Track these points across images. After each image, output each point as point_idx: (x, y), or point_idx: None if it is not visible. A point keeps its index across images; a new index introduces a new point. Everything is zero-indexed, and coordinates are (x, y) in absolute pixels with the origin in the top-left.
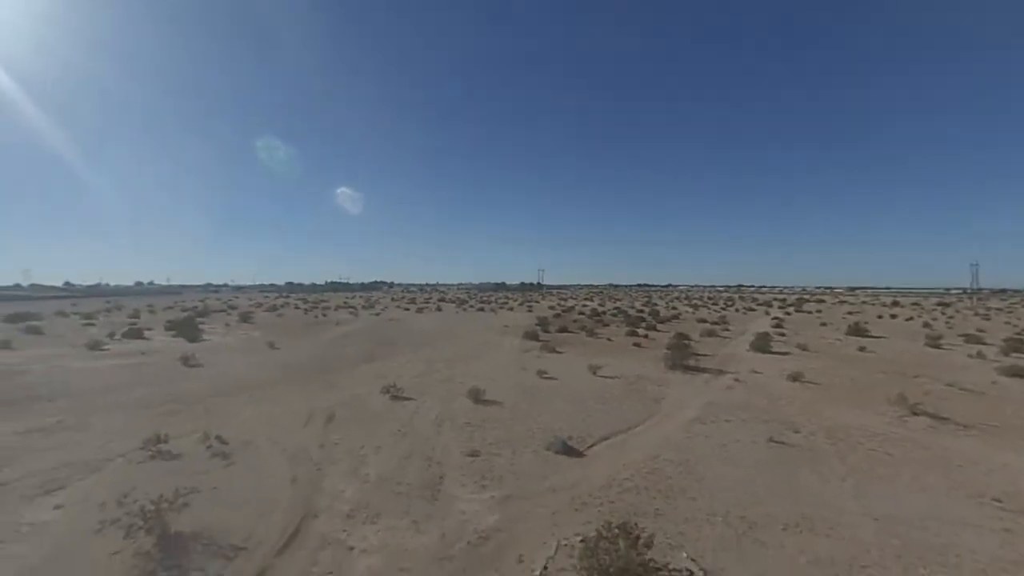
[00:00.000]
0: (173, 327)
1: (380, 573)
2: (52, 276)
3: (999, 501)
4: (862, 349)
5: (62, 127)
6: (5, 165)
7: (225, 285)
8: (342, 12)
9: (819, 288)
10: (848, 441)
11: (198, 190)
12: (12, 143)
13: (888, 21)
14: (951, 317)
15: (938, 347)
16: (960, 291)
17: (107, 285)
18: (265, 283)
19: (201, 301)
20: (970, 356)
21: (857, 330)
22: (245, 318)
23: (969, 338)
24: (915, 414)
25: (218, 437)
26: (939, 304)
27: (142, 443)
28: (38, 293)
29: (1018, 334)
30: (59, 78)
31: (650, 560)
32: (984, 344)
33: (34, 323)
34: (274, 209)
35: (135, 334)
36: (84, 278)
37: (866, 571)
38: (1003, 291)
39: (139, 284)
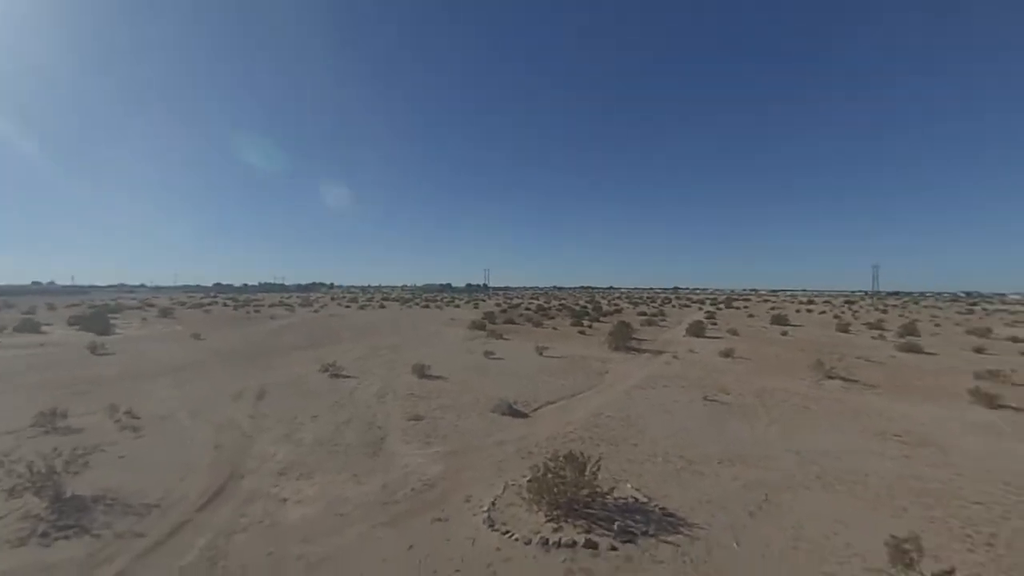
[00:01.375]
0: (77, 321)
1: (317, 519)
2: None
3: (899, 436)
4: (784, 334)
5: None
6: None
7: (142, 285)
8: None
9: (745, 290)
10: (773, 399)
11: (110, 180)
12: None
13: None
14: (856, 312)
15: (847, 332)
16: (863, 292)
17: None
18: (190, 283)
19: (112, 300)
20: (873, 338)
21: (779, 320)
22: (165, 313)
23: (871, 325)
24: (830, 378)
25: (128, 412)
26: (846, 302)
27: (34, 419)
28: None
29: (909, 323)
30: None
31: (596, 486)
32: (883, 330)
33: None
34: (199, 205)
35: (30, 327)
36: None
37: (791, 490)
38: (897, 293)
39: (36, 284)
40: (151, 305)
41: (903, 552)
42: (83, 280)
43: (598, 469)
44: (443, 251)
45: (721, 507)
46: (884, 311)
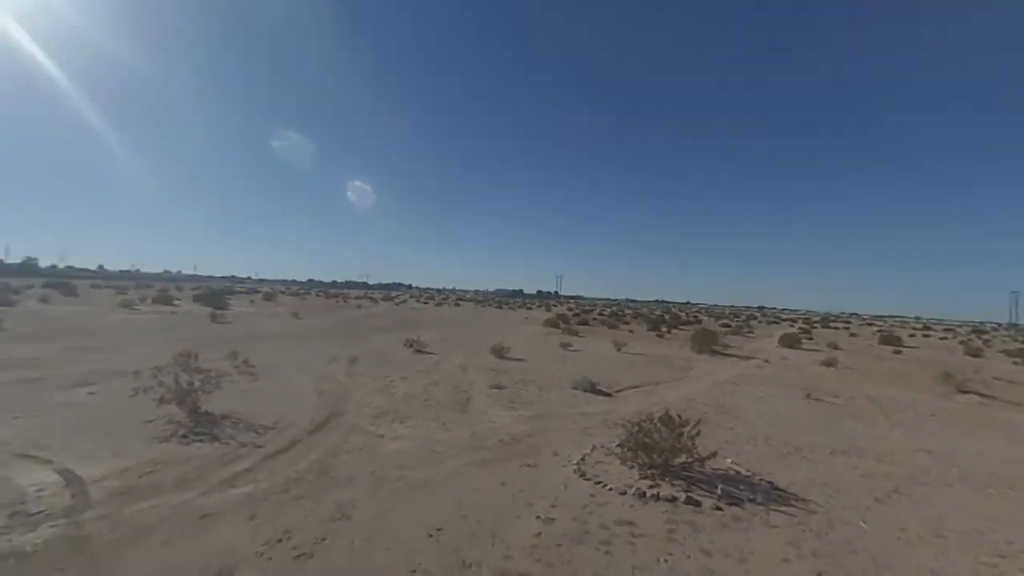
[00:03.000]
0: (200, 299)
1: (412, 452)
2: (87, 261)
3: None
4: (897, 352)
5: (101, 116)
6: (43, 150)
7: (249, 277)
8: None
9: (843, 313)
10: (893, 406)
11: (225, 185)
12: (51, 130)
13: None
14: (989, 340)
15: (978, 356)
16: (996, 324)
17: (137, 271)
18: (287, 278)
19: (227, 286)
20: (1015, 363)
21: (889, 339)
22: (269, 298)
23: (1011, 353)
24: (962, 392)
25: (244, 361)
26: (973, 331)
27: (174, 358)
28: (73, 274)
29: None
30: (100, 68)
31: (695, 450)
32: None
33: (70, 289)
34: (296, 206)
35: (164, 300)
36: (116, 264)
37: (926, 486)
38: None
39: (167, 272)
40: (257, 291)
41: None
42: (203, 271)
43: (697, 433)
44: (516, 259)
45: (839, 490)
46: None
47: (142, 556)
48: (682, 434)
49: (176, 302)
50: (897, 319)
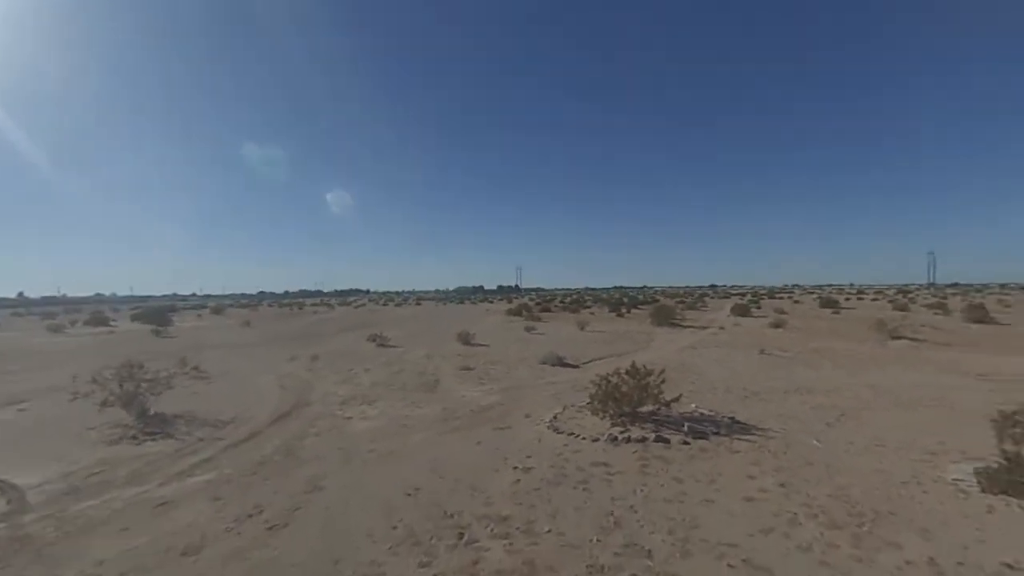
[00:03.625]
0: (140, 317)
1: (382, 429)
2: (2, 289)
3: (985, 375)
4: (835, 313)
5: (23, 128)
6: None
7: (193, 294)
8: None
9: (787, 286)
10: (836, 354)
11: (158, 198)
12: None
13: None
14: (913, 298)
15: (905, 310)
16: (918, 285)
17: (64, 296)
18: (235, 292)
19: (169, 303)
20: (936, 314)
21: (828, 303)
22: (217, 311)
23: (932, 306)
24: (895, 338)
25: (195, 368)
26: (899, 292)
27: (115, 369)
28: None
29: (975, 303)
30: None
31: (661, 396)
32: (947, 310)
33: None
34: (240, 217)
35: (99, 321)
36: (39, 291)
37: (869, 410)
38: (957, 284)
39: (99, 295)
40: (203, 307)
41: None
42: (140, 291)
43: (662, 382)
44: (475, 255)
45: (793, 419)
46: (944, 298)
47: (99, 544)
48: (648, 383)
49: (113, 323)
50: (834, 287)
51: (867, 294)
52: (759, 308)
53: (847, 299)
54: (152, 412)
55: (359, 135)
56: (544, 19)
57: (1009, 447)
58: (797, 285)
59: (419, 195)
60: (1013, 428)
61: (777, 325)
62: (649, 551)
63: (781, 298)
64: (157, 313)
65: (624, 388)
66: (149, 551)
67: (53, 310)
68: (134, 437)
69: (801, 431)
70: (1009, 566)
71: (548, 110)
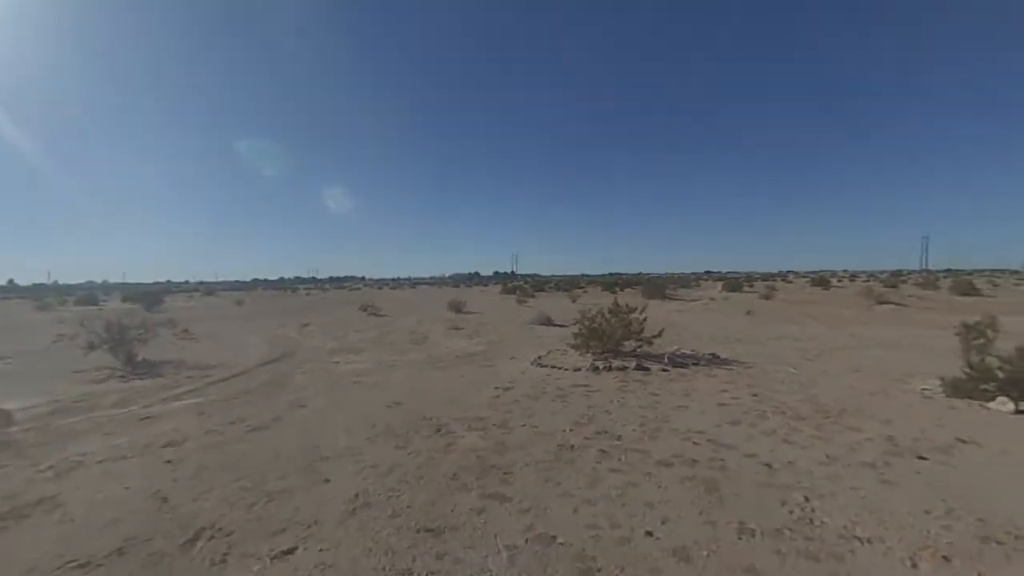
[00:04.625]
0: (131, 298)
1: (368, 368)
2: None
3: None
4: (826, 290)
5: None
6: None
7: (186, 281)
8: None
9: (783, 272)
10: (822, 316)
11: (155, 187)
12: None
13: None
14: (904, 280)
15: (895, 287)
16: (911, 271)
17: (55, 283)
18: (229, 279)
19: (161, 288)
20: (924, 290)
21: (820, 282)
22: (209, 292)
23: (922, 284)
24: (881, 303)
25: (184, 330)
26: (892, 275)
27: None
28: None
29: (963, 280)
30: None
31: (643, 334)
32: (934, 286)
33: None
34: (233, 203)
35: (89, 300)
36: (30, 278)
37: (848, 350)
38: (948, 270)
39: (90, 282)
40: (195, 291)
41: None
42: (133, 278)
43: (645, 319)
44: (470, 243)
45: (774, 358)
46: (936, 280)
47: (81, 445)
48: (630, 321)
49: (103, 300)
50: (827, 271)
51: (859, 277)
52: (751, 286)
53: (839, 281)
54: (140, 358)
55: (352, 127)
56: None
57: (974, 357)
58: (791, 271)
59: (414, 185)
60: (976, 339)
61: (766, 297)
62: (619, 436)
63: (775, 280)
64: (148, 294)
65: (606, 327)
66: (131, 446)
67: (43, 295)
68: (122, 377)
69: (779, 364)
70: (962, 440)
71: (542, 99)
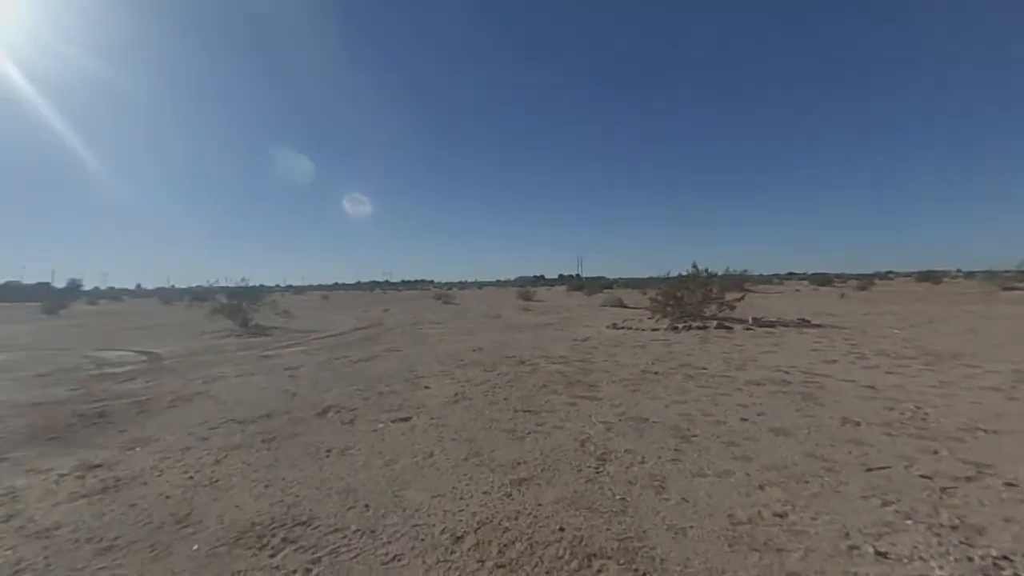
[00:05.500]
0: (234, 295)
1: (448, 332)
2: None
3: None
4: (936, 284)
5: (79, 132)
6: (15, 165)
7: (277, 285)
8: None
9: (882, 272)
10: (929, 296)
11: (224, 198)
12: (26, 146)
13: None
14: None
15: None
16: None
17: (139, 287)
18: (311, 283)
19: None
20: None
21: (928, 277)
22: (297, 292)
23: None
24: (1005, 289)
25: (285, 311)
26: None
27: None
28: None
29: None
30: (72, 80)
31: (723, 299)
32: None
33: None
34: (308, 215)
35: (201, 296)
36: (121, 282)
37: (959, 319)
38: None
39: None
40: (284, 291)
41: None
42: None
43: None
44: (536, 247)
45: (873, 324)
46: None
47: (217, 370)
48: (711, 287)
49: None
50: (934, 271)
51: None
52: (843, 283)
53: (952, 279)
54: (253, 323)
55: (418, 137)
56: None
57: None
58: (890, 272)
59: (481, 189)
60: None
61: (862, 288)
62: (704, 368)
63: (871, 279)
64: (250, 289)
65: (685, 292)
66: (257, 370)
67: (167, 295)
68: (239, 336)
69: (880, 328)
70: None
71: (618, 99)
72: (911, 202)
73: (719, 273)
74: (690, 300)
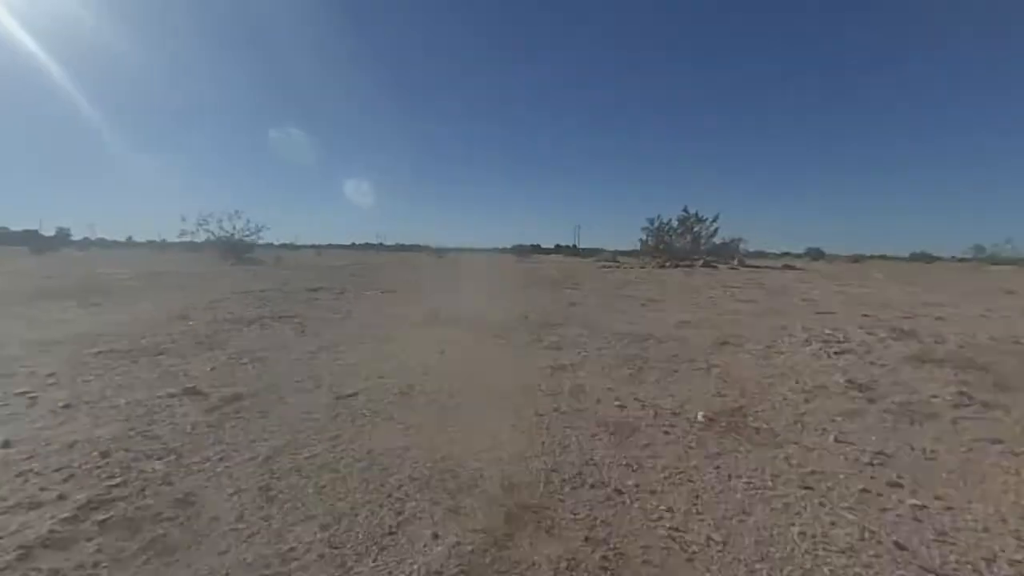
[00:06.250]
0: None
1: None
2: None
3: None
4: (928, 263)
5: (98, 104)
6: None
7: (271, 244)
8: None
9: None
10: (926, 271)
11: (214, 162)
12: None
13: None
14: None
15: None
16: None
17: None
18: (306, 244)
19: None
20: None
21: (921, 257)
22: (293, 248)
23: None
24: (993, 264)
25: (277, 258)
26: None
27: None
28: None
29: None
30: (91, 53)
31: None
32: None
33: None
34: (303, 175)
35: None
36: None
37: (955, 283)
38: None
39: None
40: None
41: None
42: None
43: (714, 232)
44: (533, 214)
45: (859, 275)
46: None
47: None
48: (699, 231)
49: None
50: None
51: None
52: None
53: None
54: (245, 257)
55: (409, 106)
56: None
57: None
58: (881, 255)
59: (479, 150)
60: None
61: (855, 260)
62: (696, 288)
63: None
64: (247, 245)
65: (674, 234)
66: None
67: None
68: (232, 264)
69: (866, 279)
70: None
71: (610, 70)
72: (896, 187)
73: (714, 222)
74: (679, 244)
